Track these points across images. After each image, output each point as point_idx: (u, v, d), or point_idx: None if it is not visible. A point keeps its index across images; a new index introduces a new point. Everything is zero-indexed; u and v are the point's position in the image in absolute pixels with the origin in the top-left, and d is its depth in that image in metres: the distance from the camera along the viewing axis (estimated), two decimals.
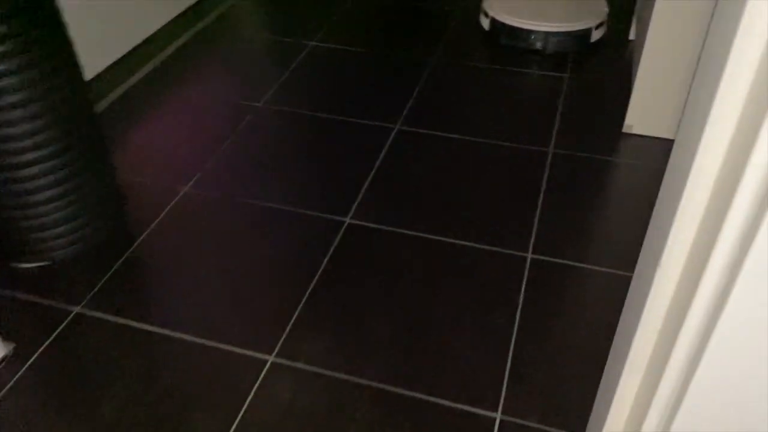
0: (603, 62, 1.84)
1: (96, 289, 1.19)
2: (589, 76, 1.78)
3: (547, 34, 1.82)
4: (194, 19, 2.08)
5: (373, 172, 1.47)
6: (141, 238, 1.30)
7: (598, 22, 1.83)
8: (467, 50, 1.91)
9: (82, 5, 1.70)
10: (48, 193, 1.17)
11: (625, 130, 1.56)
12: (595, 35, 1.86)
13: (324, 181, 1.45)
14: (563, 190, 1.40)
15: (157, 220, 1.35)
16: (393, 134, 1.58)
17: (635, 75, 1.59)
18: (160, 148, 1.55)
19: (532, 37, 1.82)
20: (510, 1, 1.93)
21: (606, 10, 1.89)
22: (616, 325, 1.10)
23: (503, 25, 1.86)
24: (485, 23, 1.93)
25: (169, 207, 1.38)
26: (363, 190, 1.42)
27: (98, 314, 1.15)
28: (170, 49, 1.93)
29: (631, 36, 1.92)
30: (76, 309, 1.16)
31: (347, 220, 1.34)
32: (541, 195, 1.39)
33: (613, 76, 1.78)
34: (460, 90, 1.74)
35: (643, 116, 1.52)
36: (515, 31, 1.84)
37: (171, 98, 1.72)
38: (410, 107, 1.68)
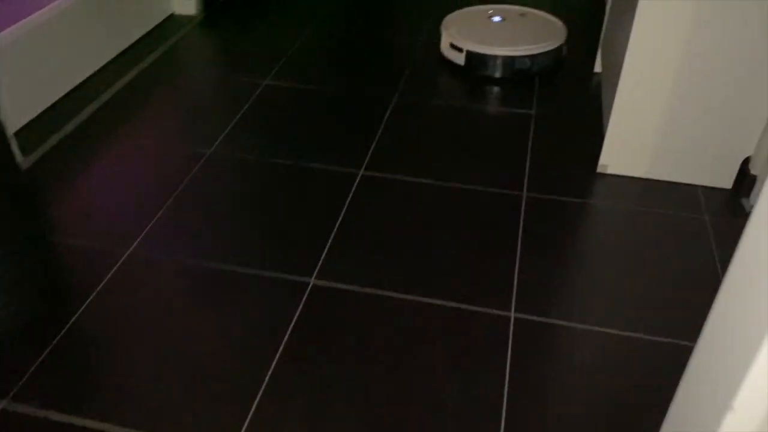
0: (569, 96, 1.78)
1: (24, 380, 1.03)
2: (555, 112, 1.71)
3: (530, 57, 1.82)
4: (136, 58, 1.94)
5: (338, 223, 1.35)
6: (78, 312, 1.15)
7: (564, 38, 1.87)
8: (430, 86, 1.83)
9: (3, 48, 1.54)
10: None
11: (599, 170, 1.49)
12: (564, 51, 1.91)
13: (284, 237, 1.32)
14: (541, 239, 1.31)
15: (97, 289, 1.20)
16: (357, 180, 1.47)
17: (606, 111, 1.53)
18: (99, 204, 1.40)
19: (516, 62, 1.81)
20: (477, 33, 1.88)
21: (562, 24, 1.94)
22: (615, 395, 1.00)
23: (483, 56, 1.82)
24: (459, 58, 1.86)
25: (110, 273, 1.23)
26: (327, 246, 1.30)
27: (26, 409, 0.99)
28: (109, 93, 1.78)
29: (597, 68, 1.87)
30: (0, 405, 1.00)
31: (311, 280, 1.22)
32: (519, 244, 1.30)
33: (580, 111, 1.72)
34: (424, 129, 1.65)
35: (618, 156, 1.45)
36: (496, 59, 1.82)
37: (111, 148, 1.57)
38: (374, 150, 1.57)
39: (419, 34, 2.10)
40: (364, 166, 1.52)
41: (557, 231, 1.33)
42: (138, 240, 1.30)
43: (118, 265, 1.25)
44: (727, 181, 1.42)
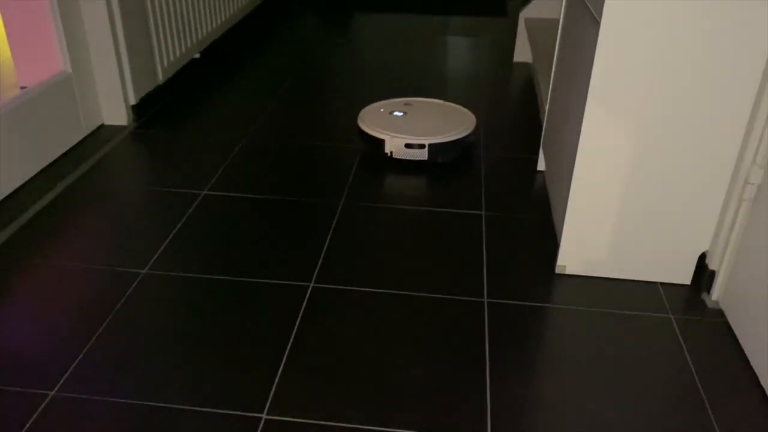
0: (515, 196, 1.77)
1: None
2: (504, 212, 1.69)
3: (470, 134, 1.96)
4: (62, 173, 1.82)
5: (290, 346, 1.24)
6: None
7: (475, 122, 2.03)
8: (375, 189, 1.78)
9: None
10: None
11: (558, 271, 1.45)
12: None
13: (230, 365, 1.19)
14: (509, 350, 1.24)
15: None
16: (308, 294, 1.38)
17: (557, 210, 1.51)
18: (16, 340, 1.24)
19: (467, 139, 1.95)
20: (421, 128, 1.94)
21: (443, 101, 2.15)
22: None
23: (443, 144, 1.90)
24: (420, 154, 1.90)
25: (30, 423, 1.07)
26: (279, 373, 1.18)
27: None
28: (32, 211, 1.64)
29: (540, 167, 1.88)
30: None
31: (263, 416, 1.09)
32: (487, 358, 1.22)
33: (529, 210, 1.70)
34: (374, 235, 1.58)
35: (576, 256, 1.42)
36: (455, 144, 1.92)
37: (31, 273, 1.43)
38: (323, 260, 1.49)
39: (351, 136, 2.08)
40: (314, 279, 1.43)
41: (524, 340, 1.26)
42: (63, 380, 1.15)
43: (40, 409, 1.08)
44: (685, 277, 1.40)
